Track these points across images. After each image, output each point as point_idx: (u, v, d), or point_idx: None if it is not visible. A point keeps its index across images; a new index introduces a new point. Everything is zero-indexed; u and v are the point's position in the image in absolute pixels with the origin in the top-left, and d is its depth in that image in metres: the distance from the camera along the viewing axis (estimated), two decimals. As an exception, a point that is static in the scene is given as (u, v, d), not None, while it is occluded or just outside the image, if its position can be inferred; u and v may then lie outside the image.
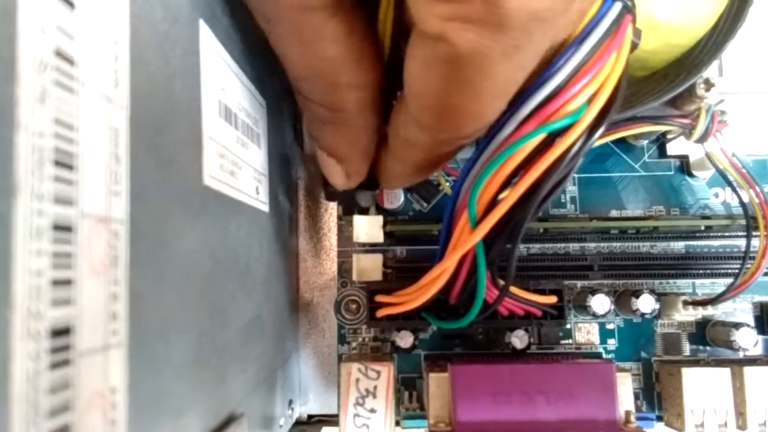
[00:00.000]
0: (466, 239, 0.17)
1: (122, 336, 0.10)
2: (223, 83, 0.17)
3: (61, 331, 0.08)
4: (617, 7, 0.14)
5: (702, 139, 0.22)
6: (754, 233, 0.23)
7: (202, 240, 0.15)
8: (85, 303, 0.09)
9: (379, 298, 0.23)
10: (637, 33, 0.15)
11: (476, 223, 0.17)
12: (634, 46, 0.15)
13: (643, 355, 0.26)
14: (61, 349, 0.08)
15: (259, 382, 0.21)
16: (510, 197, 0.16)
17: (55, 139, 0.08)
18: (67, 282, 0.08)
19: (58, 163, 0.08)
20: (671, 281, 0.26)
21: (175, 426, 0.12)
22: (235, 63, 0.18)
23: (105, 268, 0.09)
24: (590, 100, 0.15)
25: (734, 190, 0.24)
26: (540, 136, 0.15)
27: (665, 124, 0.22)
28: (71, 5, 0.09)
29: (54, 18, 0.08)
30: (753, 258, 0.23)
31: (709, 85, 0.21)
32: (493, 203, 0.16)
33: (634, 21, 0.15)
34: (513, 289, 0.21)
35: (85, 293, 0.09)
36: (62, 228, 0.08)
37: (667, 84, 0.20)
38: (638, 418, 0.23)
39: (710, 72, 0.23)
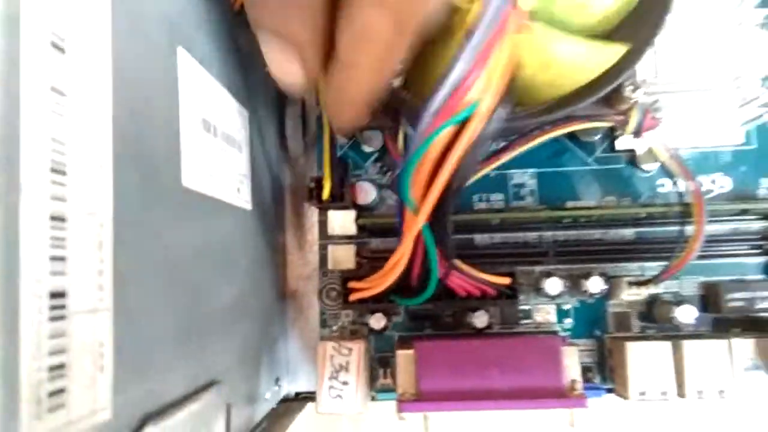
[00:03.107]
0: (412, 224, 0.20)
1: (108, 303, 0.13)
2: (201, 98, 0.20)
3: (57, 294, 0.11)
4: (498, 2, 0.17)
5: (636, 134, 0.25)
6: (688, 220, 0.26)
7: (182, 232, 0.18)
8: (76, 275, 0.12)
9: (351, 284, 0.26)
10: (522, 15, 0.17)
11: (416, 210, 0.19)
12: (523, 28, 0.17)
13: (597, 332, 0.29)
14: (57, 308, 0.11)
15: (243, 358, 0.24)
16: (437, 183, 0.18)
17: (52, 152, 0.11)
18: (62, 258, 0.11)
19: (54, 170, 0.11)
20: (621, 265, 0.29)
21: (159, 380, 0.15)
22: (215, 79, 0.21)
23: (92, 250, 0.12)
24: (485, 89, 0.17)
25: (673, 180, 0.26)
26: (450, 128, 0.17)
27: (601, 121, 0.25)
28: (62, 50, 0.12)
29: (49, 64, 0.11)
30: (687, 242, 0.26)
31: (635, 86, 0.23)
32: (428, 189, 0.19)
33: (515, 8, 0.17)
34: (467, 269, 0.24)
35: (76, 268, 0.12)
36: (57, 218, 0.11)
37: (596, 87, 0.23)
38: (588, 388, 0.26)
39: (645, 73, 0.26)
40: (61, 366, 0.11)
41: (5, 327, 0.10)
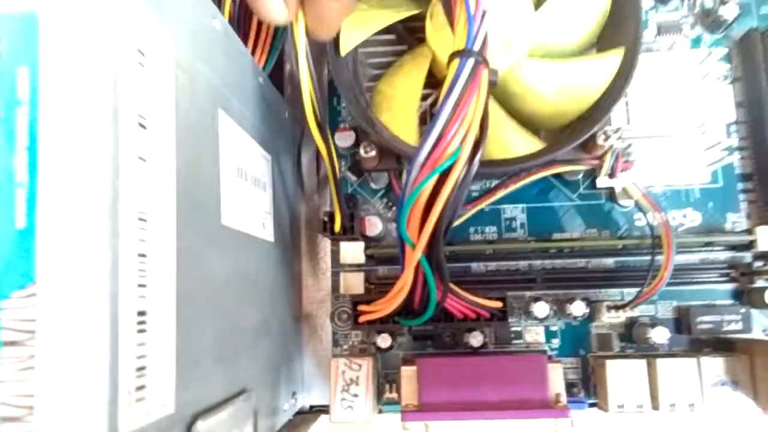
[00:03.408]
0: (410, 257, 0.23)
1: (173, 320, 0.16)
2: (236, 149, 0.23)
3: (141, 313, 0.15)
4: (471, 63, 0.20)
5: (610, 176, 0.28)
6: (659, 250, 0.29)
7: (220, 262, 0.21)
8: (153, 298, 0.15)
9: (361, 308, 0.29)
10: (494, 73, 0.21)
11: (413, 245, 0.23)
12: (493, 83, 0.21)
13: (581, 351, 0.32)
14: (141, 323, 0.15)
15: (266, 373, 0.27)
16: (429, 223, 0.22)
17: (138, 205, 0.15)
18: (144, 285, 0.15)
19: (140, 219, 0.15)
20: (603, 290, 0.32)
21: (204, 386, 0.19)
22: (245, 132, 0.25)
23: (163, 279, 0.16)
24: (464, 140, 0.21)
25: (645, 215, 0.30)
26: (435, 177, 0.21)
27: (580, 164, 0.28)
28: (144, 127, 0.15)
29: (136, 139, 0.15)
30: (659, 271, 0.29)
31: (607, 135, 0.27)
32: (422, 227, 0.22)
33: (487, 67, 0.20)
34: (462, 293, 0.27)
35: (153, 292, 0.15)
36: (142, 255, 0.15)
37: (573, 137, 0.26)
38: (572, 401, 0.29)
39: (619, 121, 0.30)
40: (143, 368, 0.15)
41: (111, 338, 0.13)
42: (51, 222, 0.13)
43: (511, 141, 0.25)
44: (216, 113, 0.21)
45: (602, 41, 0.28)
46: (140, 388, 0.14)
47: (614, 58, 0.26)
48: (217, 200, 0.21)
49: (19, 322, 0.13)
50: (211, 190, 0.21)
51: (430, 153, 0.20)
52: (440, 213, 0.21)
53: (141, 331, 0.15)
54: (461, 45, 0.20)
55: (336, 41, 0.28)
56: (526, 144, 0.25)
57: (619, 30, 0.27)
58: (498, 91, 0.27)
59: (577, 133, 0.27)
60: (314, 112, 0.25)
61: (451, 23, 0.21)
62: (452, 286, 0.26)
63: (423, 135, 0.20)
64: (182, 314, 0.17)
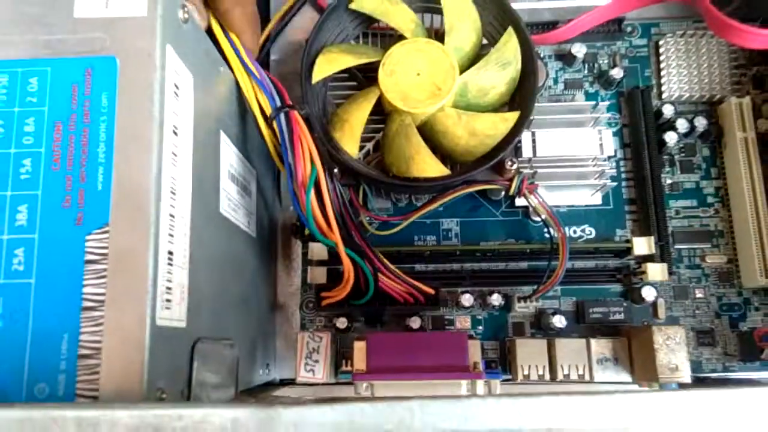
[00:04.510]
0: (340, 251, 0.31)
1: (187, 265, 0.24)
2: (231, 161, 0.31)
3: (170, 253, 0.22)
4: (284, 115, 0.29)
5: (518, 195, 0.37)
6: (557, 256, 0.37)
7: (216, 238, 0.29)
8: (177, 247, 0.23)
9: (323, 294, 0.37)
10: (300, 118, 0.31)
11: (334, 244, 0.31)
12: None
13: (500, 336, 0.40)
14: (170, 261, 0.22)
15: (247, 340, 0.34)
16: (332, 225, 0.30)
17: (170, 192, 0.23)
18: (171, 236, 0.23)
19: (171, 206, 0.23)
20: (517, 287, 0.40)
21: (202, 322, 0.26)
22: (237, 150, 0.33)
23: (182, 238, 0.24)
24: (309, 162, 0.30)
25: (546, 228, 0.38)
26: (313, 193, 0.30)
27: (494, 184, 0.37)
28: (176, 134, 0.23)
29: (171, 142, 0.23)
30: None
31: (512, 162, 0.35)
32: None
33: (294, 108, 0.30)
34: (398, 272, 0.35)
35: (177, 244, 0.23)
36: (172, 217, 0.23)
37: (487, 160, 0.35)
38: (491, 372, 0.37)
39: (527, 152, 0.38)
40: (170, 289, 0.22)
41: (152, 263, 0.21)
42: (119, 187, 0.21)
43: (427, 166, 0.34)
44: (218, 132, 0.30)
45: (512, 101, 0.37)
46: (168, 300, 0.22)
47: (513, 116, 0.35)
48: (217, 193, 0.29)
49: (97, 248, 0.21)
50: (213, 184, 0.28)
51: (296, 180, 0.30)
52: (333, 215, 0.30)
53: (169, 263, 0.22)
54: (269, 109, 0.31)
55: (309, 73, 0.36)
56: (438, 169, 0.34)
57: (523, 95, 0.36)
58: (425, 127, 0.35)
59: (490, 159, 0.35)
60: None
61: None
62: (390, 266, 0.34)
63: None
64: (192, 264, 0.25)
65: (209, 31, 0.30)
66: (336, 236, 0.31)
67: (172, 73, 0.23)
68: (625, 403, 0.18)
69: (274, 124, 0.31)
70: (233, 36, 0.31)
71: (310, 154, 0.30)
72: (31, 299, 0.20)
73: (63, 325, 0.20)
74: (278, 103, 0.32)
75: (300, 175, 0.30)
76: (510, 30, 0.36)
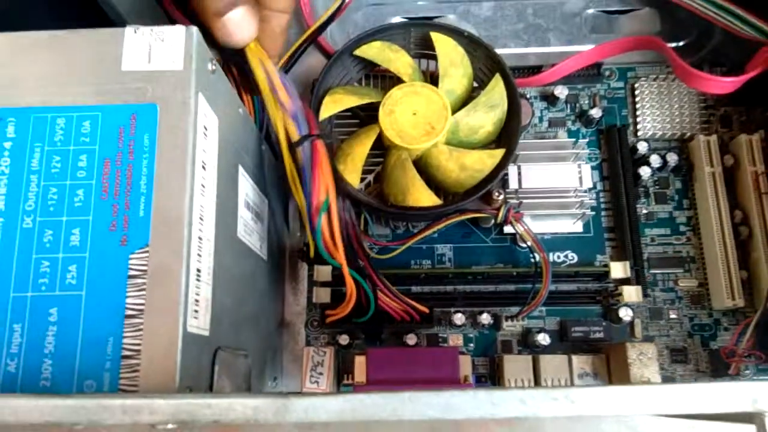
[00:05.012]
0: (344, 272, 0.35)
1: (211, 281, 0.28)
2: (247, 191, 0.35)
3: (198, 270, 0.26)
4: (308, 142, 0.33)
5: (504, 223, 0.41)
6: (540, 279, 0.41)
7: (233, 259, 0.33)
8: (203, 266, 0.27)
9: (328, 312, 0.41)
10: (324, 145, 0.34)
11: (339, 265, 0.35)
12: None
13: (490, 353, 0.43)
14: (198, 278, 0.26)
15: (258, 354, 0.38)
16: (338, 248, 0.34)
17: (199, 219, 0.26)
18: (200, 255, 0.26)
19: (200, 232, 0.26)
20: (506, 308, 0.43)
21: (222, 333, 0.30)
22: (252, 180, 0.37)
23: (208, 258, 0.27)
24: (325, 192, 0.33)
25: (531, 254, 0.42)
26: (324, 216, 0.34)
27: (483, 213, 0.40)
28: (205, 168, 0.27)
29: (200, 175, 0.27)
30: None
31: (498, 193, 0.39)
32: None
33: (320, 138, 0.34)
34: (395, 290, 0.39)
35: (203, 263, 0.27)
36: (200, 240, 0.26)
37: (476, 192, 0.39)
38: (479, 386, 0.40)
39: (513, 184, 0.42)
40: (197, 301, 0.26)
41: (184, 279, 0.25)
42: (157, 214, 0.25)
43: (421, 196, 0.38)
44: (237, 166, 0.34)
45: (499, 138, 0.41)
46: (196, 311, 0.26)
47: (499, 152, 0.39)
48: (235, 219, 0.33)
49: (138, 265, 0.24)
50: (232, 211, 0.32)
51: (311, 207, 0.34)
52: (340, 238, 0.34)
53: (197, 278, 0.26)
54: (295, 136, 0.34)
55: (317, 112, 0.40)
56: (431, 199, 0.38)
57: (508, 133, 0.40)
58: (420, 161, 0.39)
59: (478, 191, 0.39)
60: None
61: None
62: (389, 286, 0.38)
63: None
64: (216, 281, 0.28)
65: (244, 58, 0.34)
66: (341, 257, 0.35)
67: (202, 117, 0.27)
68: (583, 395, 0.21)
69: (299, 150, 0.34)
70: (267, 64, 0.34)
71: (327, 181, 0.33)
72: (82, 308, 0.24)
73: (108, 330, 0.24)
74: (305, 131, 0.34)
75: (315, 200, 0.33)
76: (497, 76, 0.40)
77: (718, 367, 0.41)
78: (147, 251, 0.25)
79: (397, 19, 0.50)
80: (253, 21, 0.33)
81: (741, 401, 0.21)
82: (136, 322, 0.24)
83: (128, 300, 0.24)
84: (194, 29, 0.27)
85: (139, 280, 0.24)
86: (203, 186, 0.27)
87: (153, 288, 0.24)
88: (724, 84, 0.39)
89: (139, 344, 0.24)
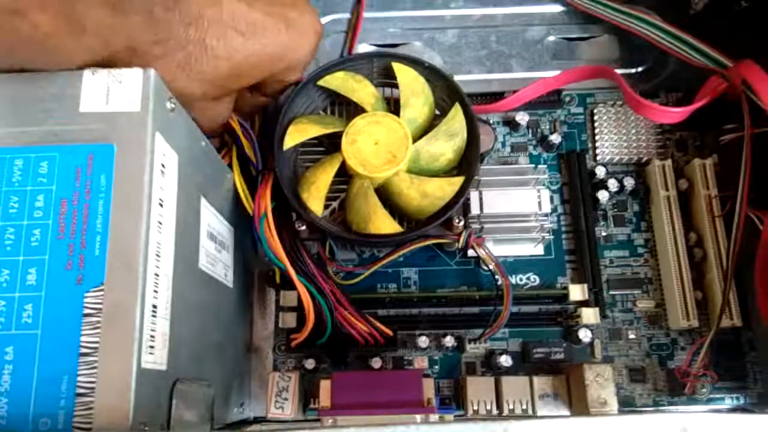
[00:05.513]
0: (293, 278, 0.36)
1: (168, 316, 0.28)
2: (210, 221, 0.36)
3: (154, 306, 0.27)
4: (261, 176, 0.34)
5: (466, 248, 0.42)
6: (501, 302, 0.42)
7: (196, 291, 0.33)
8: (160, 302, 0.27)
9: (293, 336, 0.41)
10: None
11: (285, 267, 0.36)
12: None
13: (454, 374, 0.44)
14: (154, 314, 0.27)
15: (222, 381, 0.38)
16: (278, 248, 0.36)
17: (156, 255, 0.27)
18: (156, 292, 0.27)
19: (156, 255, 0.27)
20: (471, 330, 0.44)
21: (181, 365, 0.30)
22: (216, 209, 0.37)
23: (165, 292, 0.28)
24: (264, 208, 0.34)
25: (493, 277, 0.43)
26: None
27: (445, 238, 0.41)
28: (162, 205, 0.28)
29: (157, 212, 0.27)
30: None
31: (459, 219, 0.40)
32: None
33: (271, 173, 0.36)
34: (364, 315, 0.40)
35: (160, 299, 0.27)
36: (156, 278, 0.27)
37: (437, 218, 0.40)
38: (443, 409, 0.41)
39: (475, 209, 0.43)
40: (153, 337, 0.26)
41: (139, 316, 0.25)
42: (113, 252, 0.25)
43: (382, 224, 0.39)
44: (199, 197, 0.34)
45: (459, 165, 0.42)
46: (151, 346, 0.26)
47: (459, 180, 0.40)
48: (197, 250, 0.33)
49: (93, 303, 0.25)
50: (194, 243, 0.33)
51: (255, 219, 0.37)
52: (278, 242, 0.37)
53: (153, 314, 0.27)
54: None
55: (281, 141, 0.41)
56: (392, 227, 0.39)
57: (468, 160, 0.41)
58: (382, 189, 0.40)
59: (439, 217, 0.40)
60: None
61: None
62: (348, 306, 0.39)
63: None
64: (174, 316, 0.29)
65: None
66: (284, 258, 0.38)
67: (159, 155, 0.28)
68: (519, 428, 0.22)
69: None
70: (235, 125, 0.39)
71: (266, 202, 0.39)
72: (38, 347, 0.24)
73: (63, 368, 0.24)
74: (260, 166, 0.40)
75: (256, 212, 0.39)
76: (457, 105, 0.41)
77: (675, 387, 0.43)
78: (102, 289, 0.25)
79: (364, 47, 0.51)
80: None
81: (671, 431, 0.22)
82: (91, 360, 0.24)
83: (83, 338, 0.25)
84: (152, 71, 0.28)
85: (94, 318, 0.25)
86: (160, 223, 0.28)
87: (108, 326, 0.25)
88: (672, 114, 0.40)
89: (93, 382, 0.24)
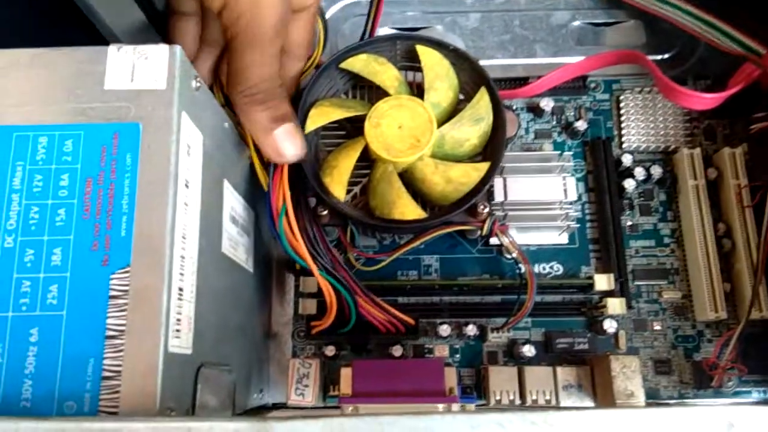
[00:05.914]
0: (315, 274, 0.36)
1: (194, 298, 0.28)
2: (232, 205, 0.35)
3: (180, 289, 0.26)
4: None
5: (489, 235, 0.41)
6: (525, 290, 0.41)
7: (218, 276, 0.33)
8: (185, 284, 0.27)
9: (313, 323, 0.41)
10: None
11: (307, 266, 0.36)
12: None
13: (476, 363, 0.43)
14: (180, 297, 0.26)
15: (243, 367, 0.38)
16: (300, 246, 0.35)
17: (182, 235, 0.26)
18: (182, 275, 0.26)
19: (182, 237, 0.27)
20: (492, 319, 0.44)
21: (206, 349, 0.30)
22: (238, 194, 0.37)
23: (190, 276, 0.27)
24: (282, 200, 0.34)
25: (516, 265, 0.42)
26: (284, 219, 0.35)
27: (469, 225, 0.41)
28: (187, 186, 0.27)
29: (183, 194, 0.27)
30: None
31: (484, 206, 0.39)
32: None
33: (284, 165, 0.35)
34: (384, 304, 0.39)
35: (186, 281, 0.27)
36: (183, 258, 0.26)
37: (462, 204, 0.39)
38: (465, 398, 0.40)
39: (499, 196, 0.42)
40: (179, 321, 0.26)
41: (165, 299, 0.25)
42: (139, 233, 0.25)
43: (406, 209, 0.38)
44: (222, 180, 0.34)
45: (484, 151, 0.41)
46: (177, 330, 0.26)
47: (485, 166, 0.39)
48: (220, 234, 0.33)
49: (120, 285, 0.24)
50: (217, 226, 0.32)
51: (272, 211, 0.36)
52: (302, 238, 0.36)
53: (179, 297, 0.26)
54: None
55: (303, 124, 0.40)
56: (417, 212, 0.38)
57: (493, 146, 0.40)
58: (406, 174, 0.39)
59: (464, 203, 0.39)
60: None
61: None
62: (371, 295, 0.38)
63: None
64: (199, 297, 0.28)
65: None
66: (306, 256, 0.37)
67: (185, 135, 0.27)
68: (562, 419, 0.22)
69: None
70: None
71: (284, 190, 0.37)
72: (63, 329, 0.24)
73: (89, 351, 0.24)
74: None
75: (273, 206, 0.37)
76: (482, 89, 0.40)
77: (702, 379, 0.42)
78: (128, 271, 0.25)
79: (384, 30, 0.50)
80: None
81: (718, 425, 0.21)
82: (117, 343, 0.24)
83: (109, 321, 0.24)
84: (177, 48, 0.27)
85: (121, 301, 0.24)
86: (186, 204, 0.27)
87: (134, 308, 0.24)
88: (705, 100, 0.39)
89: (119, 365, 0.24)
